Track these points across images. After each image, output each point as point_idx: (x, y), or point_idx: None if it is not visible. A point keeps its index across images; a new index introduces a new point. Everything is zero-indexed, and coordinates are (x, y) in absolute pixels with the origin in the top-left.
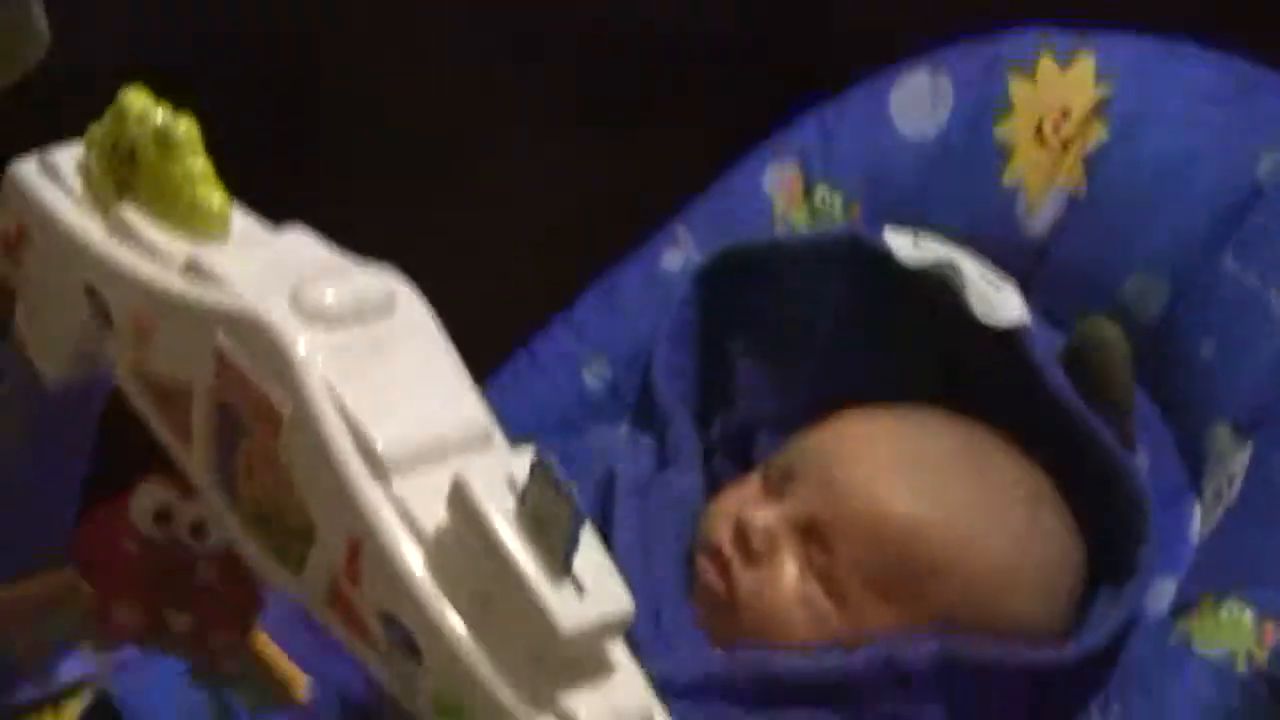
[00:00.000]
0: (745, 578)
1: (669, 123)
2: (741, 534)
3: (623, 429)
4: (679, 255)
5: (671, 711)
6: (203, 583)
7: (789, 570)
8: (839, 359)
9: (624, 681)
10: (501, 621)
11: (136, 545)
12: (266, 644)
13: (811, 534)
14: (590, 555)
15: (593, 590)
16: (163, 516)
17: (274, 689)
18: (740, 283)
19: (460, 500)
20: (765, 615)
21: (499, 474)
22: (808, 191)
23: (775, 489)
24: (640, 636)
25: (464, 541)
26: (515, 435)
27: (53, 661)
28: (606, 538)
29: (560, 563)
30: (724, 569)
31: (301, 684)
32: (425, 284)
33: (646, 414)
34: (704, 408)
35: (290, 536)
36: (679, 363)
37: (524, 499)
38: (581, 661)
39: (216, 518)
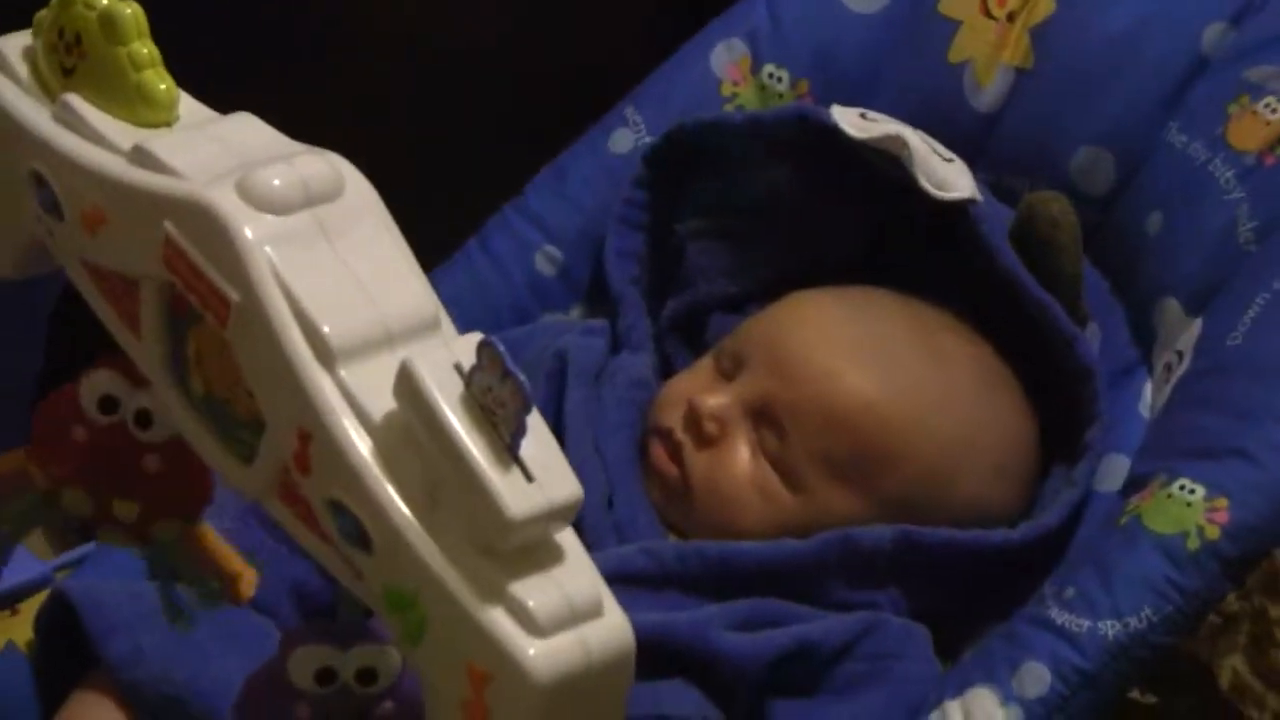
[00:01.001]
0: (698, 461)
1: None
2: (693, 418)
3: (574, 313)
4: (629, 136)
5: (624, 600)
6: (149, 472)
7: (741, 453)
8: (788, 239)
9: (574, 568)
10: (450, 509)
11: (85, 432)
12: (214, 539)
13: (764, 417)
14: (538, 441)
15: (541, 476)
16: (109, 404)
17: (221, 583)
18: (690, 163)
19: (407, 386)
20: (718, 499)
21: (446, 360)
22: (755, 69)
23: (727, 373)
24: (592, 523)
25: (412, 428)
26: (467, 326)
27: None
28: (559, 424)
29: (508, 449)
30: (676, 453)
31: (250, 580)
32: (374, 171)
33: (598, 298)
34: (656, 290)
35: (240, 426)
36: (630, 245)
37: (471, 385)
38: (531, 549)
39: (164, 409)
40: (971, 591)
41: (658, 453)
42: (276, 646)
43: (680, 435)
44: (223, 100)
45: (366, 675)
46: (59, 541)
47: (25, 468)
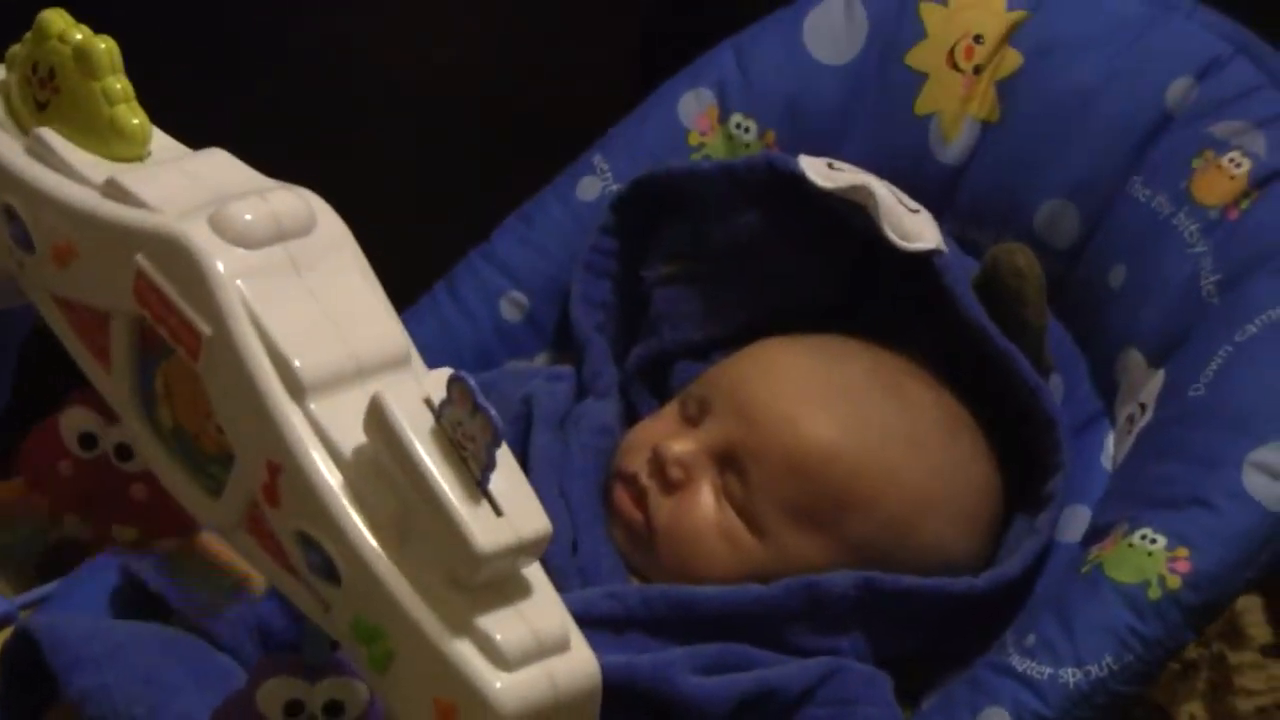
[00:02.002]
0: (662, 507)
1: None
2: (658, 464)
3: (540, 359)
4: (596, 184)
5: (590, 643)
6: (138, 499)
7: (706, 499)
8: (756, 287)
9: (541, 603)
10: (419, 542)
11: (70, 466)
12: (217, 545)
13: (729, 463)
14: (508, 476)
15: (510, 511)
16: (88, 440)
17: (232, 577)
18: (657, 211)
19: (378, 420)
20: (683, 545)
21: (416, 394)
22: (723, 119)
23: (692, 419)
24: (557, 566)
25: (381, 462)
26: (433, 369)
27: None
28: (524, 469)
29: (477, 483)
30: (641, 499)
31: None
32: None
33: (564, 344)
34: (622, 337)
35: (208, 460)
36: (596, 292)
37: (441, 419)
38: (499, 583)
39: (135, 441)
40: (934, 638)
41: (622, 498)
42: (240, 684)
43: (645, 481)
44: (197, 130)
45: (334, 708)
46: (23, 579)
47: (28, 494)
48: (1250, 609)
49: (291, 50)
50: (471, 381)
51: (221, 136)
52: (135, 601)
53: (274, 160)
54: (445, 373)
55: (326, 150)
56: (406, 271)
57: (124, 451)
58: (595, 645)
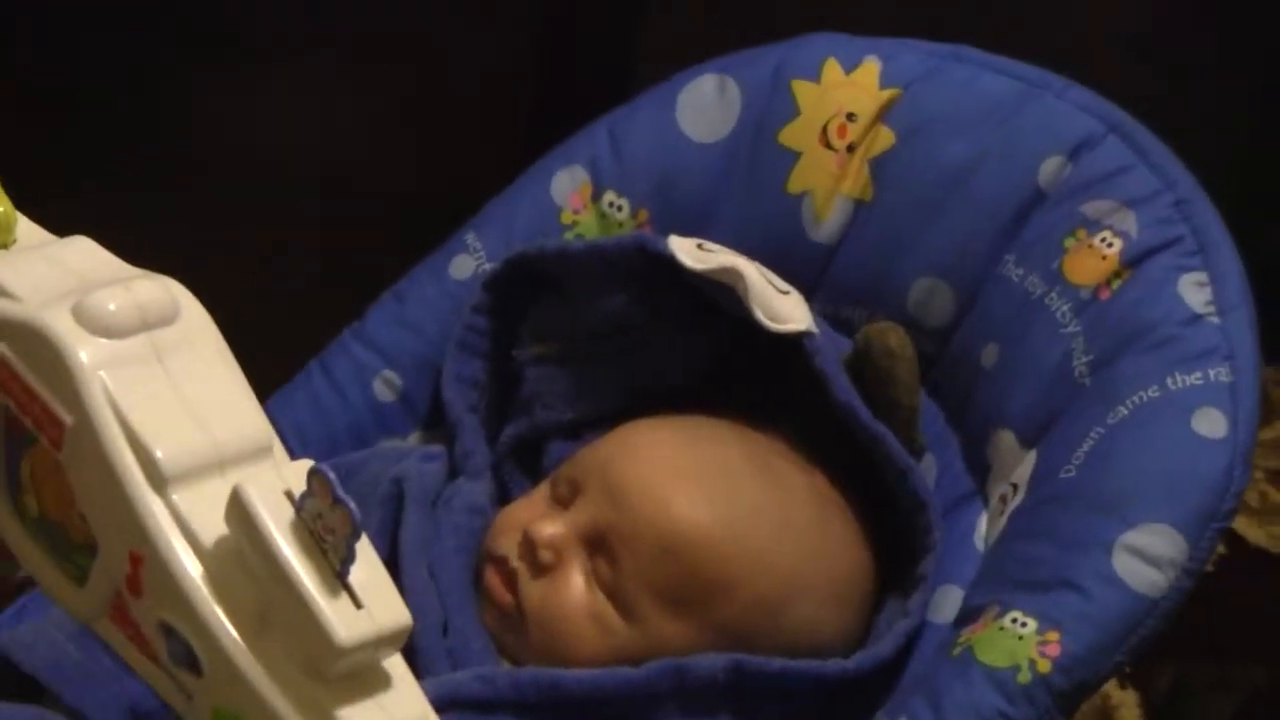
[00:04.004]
0: (533, 590)
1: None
2: (529, 546)
3: (413, 438)
4: (469, 262)
5: None
6: None
7: (576, 582)
8: (628, 367)
9: (402, 695)
10: (279, 634)
11: None
12: None
13: (599, 546)
14: (368, 568)
15: (370, 603)
16: None
17: None
18: (529, 290)
19: (238, 511)
20: (552, 628)
21: (277, 486)
22: (596, 197)
23: (563, 500)
24: (426, 648)
25: (242, 553)
26: (307, 448)
27: None
28: (395, 549)
29: (337, 575)
30: (511, 581)
31: None
32: (213, 294)
33: (437, 423)
34: (495, 417)
35: (73, 549)
36: (469, 372)
37: (301, 511)
38: (359, 675)
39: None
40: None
41: (493, 580)
42: None
43: (515, 563)
44: (65, 214)
45: None
46: None
47: None
48: (1125, 704)
49: (171, 132)
50: (331, 474)
51: (96, 218)
52: (3, 680)
53: (151, 244)
54: (306, 464)
55: (205, 230)
56: (283, 350)
57: None
58: None
